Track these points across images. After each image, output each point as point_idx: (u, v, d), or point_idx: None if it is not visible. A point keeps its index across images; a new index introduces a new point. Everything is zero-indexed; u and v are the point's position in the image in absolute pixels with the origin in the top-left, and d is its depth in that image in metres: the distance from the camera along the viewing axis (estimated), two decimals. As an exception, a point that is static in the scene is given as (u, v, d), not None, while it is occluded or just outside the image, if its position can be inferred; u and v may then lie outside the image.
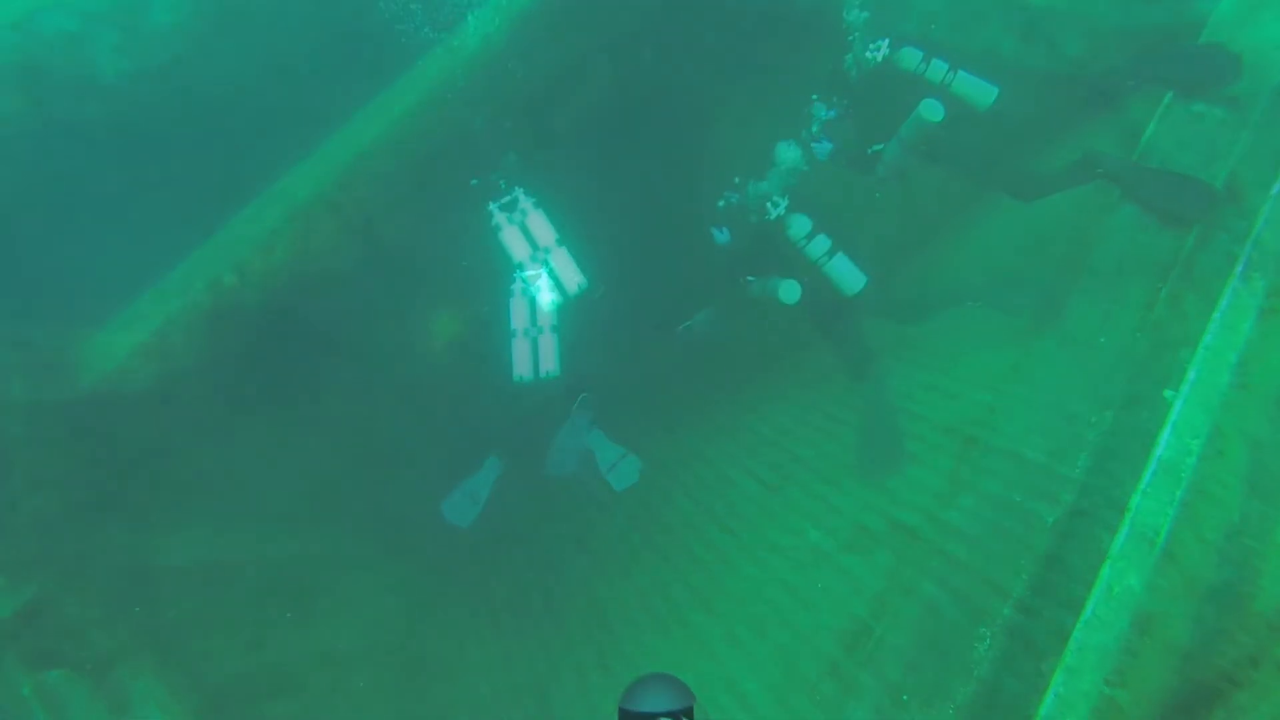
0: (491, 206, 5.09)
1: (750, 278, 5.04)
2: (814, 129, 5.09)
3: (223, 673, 3.98)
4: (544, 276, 5.13)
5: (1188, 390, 3.59)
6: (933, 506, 4.06)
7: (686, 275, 5.78)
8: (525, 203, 5.12)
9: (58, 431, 4.32)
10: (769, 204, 4.89)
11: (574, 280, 5.14)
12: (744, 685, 3.69)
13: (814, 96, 5.05)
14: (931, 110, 4.45)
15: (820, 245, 4.82)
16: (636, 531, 5.25)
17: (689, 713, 1.75)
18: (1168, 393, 4.07)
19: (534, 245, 5.09)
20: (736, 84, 7.21)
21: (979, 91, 4.66)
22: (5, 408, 4.06)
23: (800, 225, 4.85)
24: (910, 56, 4.74)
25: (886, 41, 4.79)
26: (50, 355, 4.35)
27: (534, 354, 5.14)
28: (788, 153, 4.93)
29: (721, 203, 5.28)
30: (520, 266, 5.11)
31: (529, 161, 5.64)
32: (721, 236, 5.25)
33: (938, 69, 4.68)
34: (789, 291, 4.69)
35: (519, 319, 5.11)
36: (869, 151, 4.84)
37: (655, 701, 1.73)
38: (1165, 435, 3.73)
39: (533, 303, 5.11)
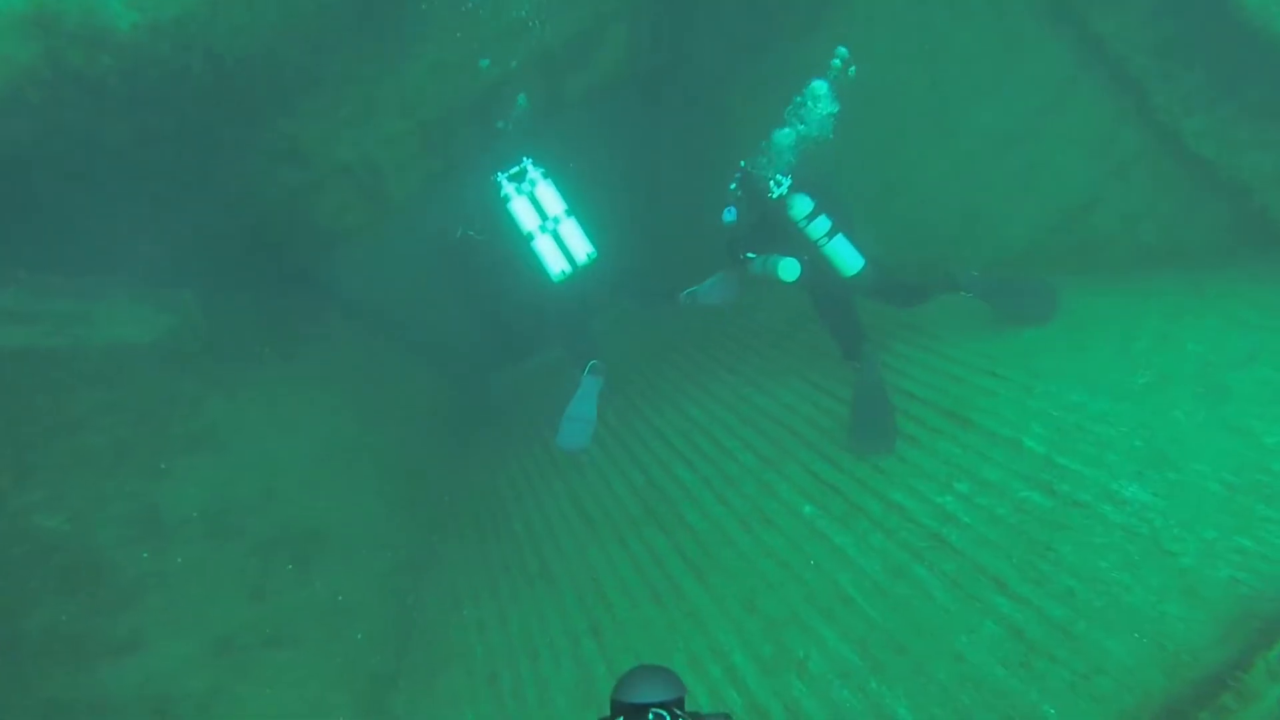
0: (500, 177, 5.06)
1: (750, 254, 5.10)
2: (732, 186, 5.27)
3: (227, 620, 4.10)
4: (528, 167, 5.09)
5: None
6: (929, 490, 4.07)
7: (693, 247, 5.76)
8: (534, 173, 5.09)
9: (73, 379, 4.40)
10: (772, 183, 4.94)
11: (583, 250, 5.12)
12: (733, 658, 3.74)
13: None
14: (788, 271, 4.85)
15: (821, 226, 4.92)
16: (635, 499, 5.29)
17: (680, 703, 1.80)
18: (1139, 378, 4.07)
19: (543, 215, 5.06)
20: (753, 58, 7.08)
21: (847, 261, 4.95)
22: (21, 355, 4.14)
23: (802, 205, 4.90)
24: (801, 205, 4.90)
25: (789, 182, 4.94)
26: (65, 305, 4.42)
27: (561, 246, 5.10)
28: (782, 139, 4.99)
29: (733, 185, 5.26)
30: (498, 178, 5.07)
31: (537, 119, 5.61)
32: (729, 215, 5.23)
33: (820, 227, 4.90)
34: (788, 270, 4.85)
35: (529, 221, 5.06)
36: (740, 256, 5.15)
37: (647, 693, 1.79)
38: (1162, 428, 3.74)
39: (533, 199, 5.07)
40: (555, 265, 5.08)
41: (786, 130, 4.98)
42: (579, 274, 5.15)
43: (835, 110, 5.00)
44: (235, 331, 5.55)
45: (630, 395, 6.65)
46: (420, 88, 5.55)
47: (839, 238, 4.93)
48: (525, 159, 5.08)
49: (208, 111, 4.39)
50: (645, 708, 1.75)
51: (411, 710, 4.56)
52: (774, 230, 5.00)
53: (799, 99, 4.99)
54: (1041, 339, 4.80)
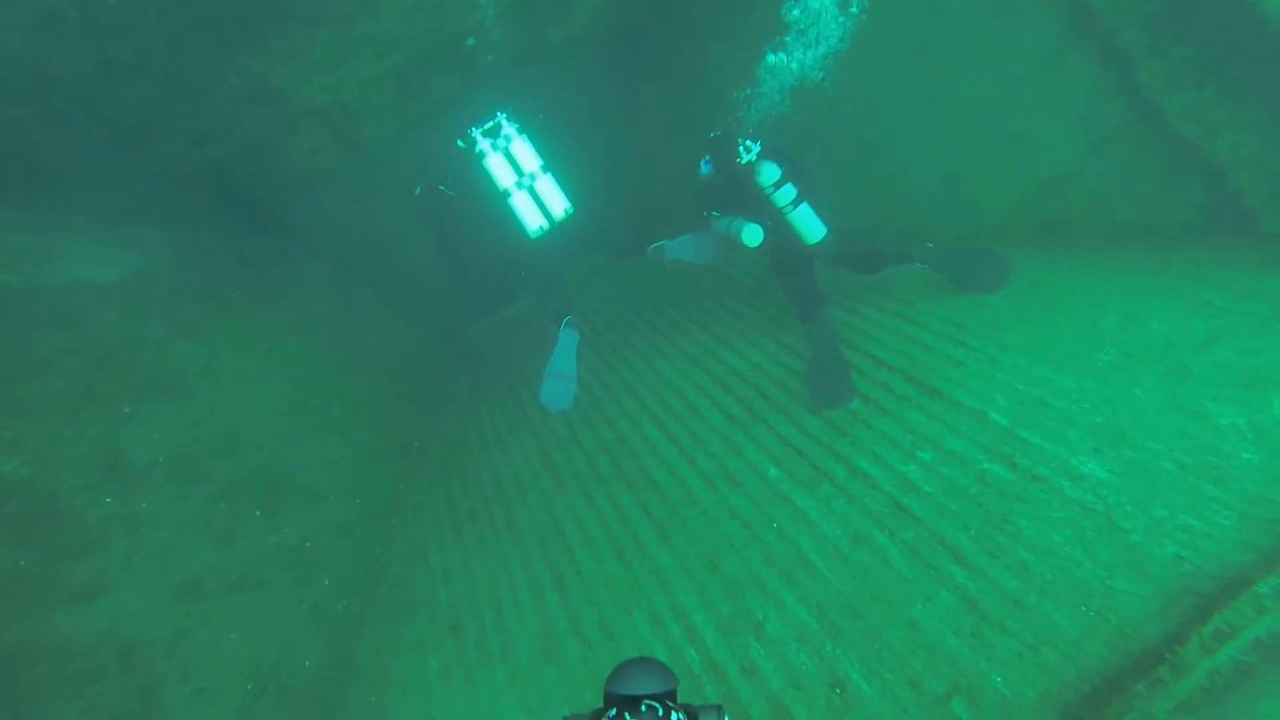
0: (475, 132, 4.96)
1: (715, 213, 5.18)
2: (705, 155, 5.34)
3: (193, 565, 4.09)
4: (502, 123, 5.03)
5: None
6: (893, 458, 4.13)
7: (674, 199, 5.71)
8: (509, 128, 4.99)
9: (32, 320, 4.29)
10: (741, 149, 5.03)
11: (560, 206, 5.07)
12: (694, 617, 3.82)
13: (712, 134, 5.25)
14: (752, 237, 4.94)
15: (787, 194, 5.02)
16: (603, 455, 5.33)
17: (672, 695, 1.83)
18: (1104, 355, 4.14)
19: (519, 171, 4.99)
20: (739, 13, 6.91)
21: (810, 228, 5.08)
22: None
23: (769, 173, 4.98)
24: (769, 172, 4.98)
25: (759, 147, 5.04)
26: (20, 240, 4.27)
27: (538, 202, 5.08)
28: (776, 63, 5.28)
29: (713, 133, 5.21)
30: (473, 134, 5.00)
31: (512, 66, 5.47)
32: (705, 167, 5.22)
33: (785, 195, 5.00)
34: (752, 235, 4.95)
35: (505, 177, 5.02)
36: (705, 214, 5.24)
37: (639, 684, 1.82)
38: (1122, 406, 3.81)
39: (508, 155, 5.03)
40: (532, 222, 5.04)
41: (781, 55, 5.14)
42: (556, 230, 5.12)
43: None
44: (205, 274, 5.43)
45: (603, 351, 6.65)
46: (397, 30, 5.34)
47: (804, 206, 5.05)
48: (500, 114, 4.97)
49: (171, 43, 4.19)
50: (638, 699, 1.79)
51: (377, 657, 4.63)
52: (741, 194, 5.07)
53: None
54: (1011, 311, 4.84)
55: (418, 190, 5.00)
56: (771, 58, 5.34)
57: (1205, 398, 3.71)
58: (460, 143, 4.89)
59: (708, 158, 5.26)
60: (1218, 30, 4.34)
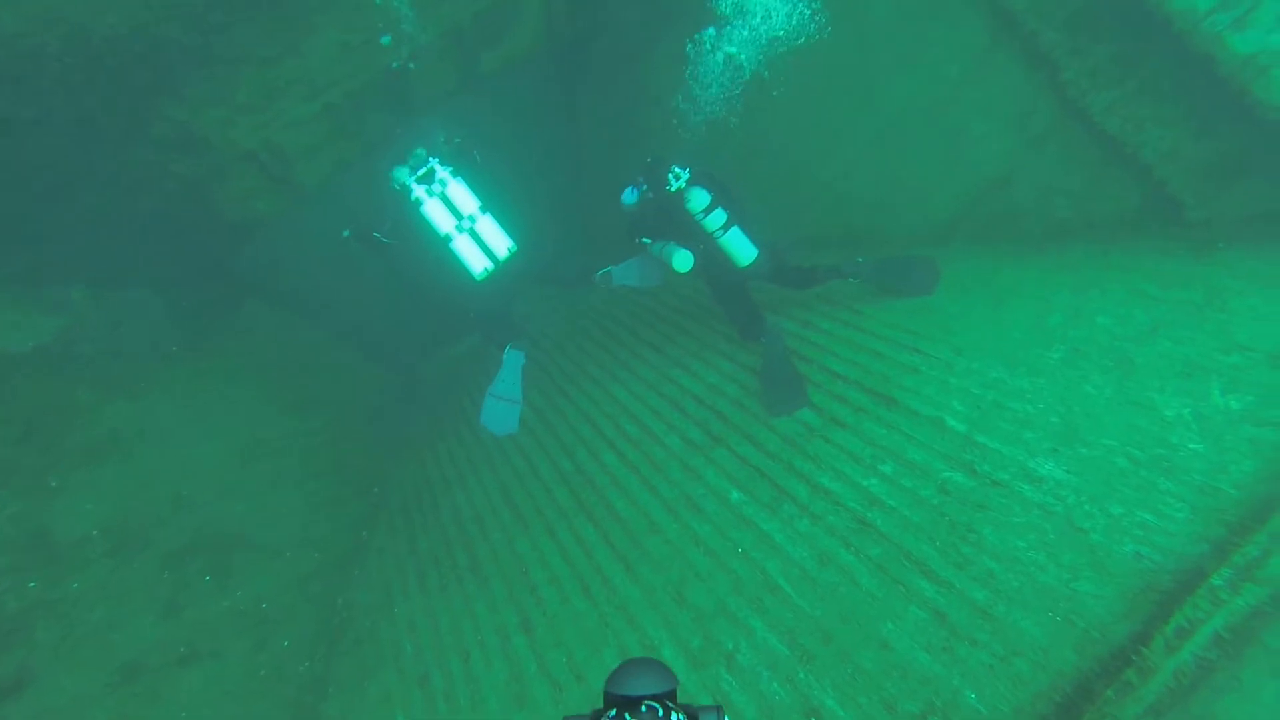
0: (409, 180, 4.88)
1: (646, 239, 5.21)
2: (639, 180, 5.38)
3: (134, 643, 3.88)
4: (435, 168, 4.96)
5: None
6: (854, 473, 4.10)
7: (618, 222, 5.67)
8: (442, 172, 4.93)
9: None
10: (671, 176, 5.07)
11: (503, 246, 5.01)
12: (664, 651, 3.73)
13: (648, 159, 5.29)
14: (682, 263, 4.99)
15: (716, 219, 5.06)
16: (563, 487, 5.22)
17: (672, 696, 1.80)
18: (1054, 353, 4.18)
19: (458, 215, 4.94)
20: (674, 27, 6.92)
21: (742, 251, 5.13)
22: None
23: (699, 199, 5.03)
24: (699, 198, 5.02)
25: (688, 174, 5.08)
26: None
27: (480, 244, 5.03)
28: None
29: (649, 159, 5.22)
30: (408, 182, 4.92)
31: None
32: (629, 197, 5.30)
33: (715, 220, 5.05)
34: (682, 262, 5.01)
35: (444, 222, 4.95)
36: (637, 240, 5.27)
37: (640, 685, 1.79)
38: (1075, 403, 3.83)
39: (445, 200, 4.95)
40: (477, 265, 5.01)
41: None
42: (501, 269, 5.07)
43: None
44: (138, 330, 5.22)
45: (556, 378, 6.56)
46: (326, 69, 5.22)
47: (734, 230, 5.11)
48: (431, 160, 4.90)
49: (75, 96, 4.01)
50: (638, 700, 1.75)
51: (344, 717, 4.45)
52: (671, 221, 5.12)
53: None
54: (962, 313, 4.87)
55: (346, 233, 4.89)
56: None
57: (1151, 389, 3.75)
58: (395, 185, 4.79)
59: (633, 186, 5.30)
60: (1131, 30, 4.43)
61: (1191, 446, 3.40)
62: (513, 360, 5.40)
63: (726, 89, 6.08)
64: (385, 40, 5.20)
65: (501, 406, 5.29)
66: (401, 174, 4.81)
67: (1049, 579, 3.18)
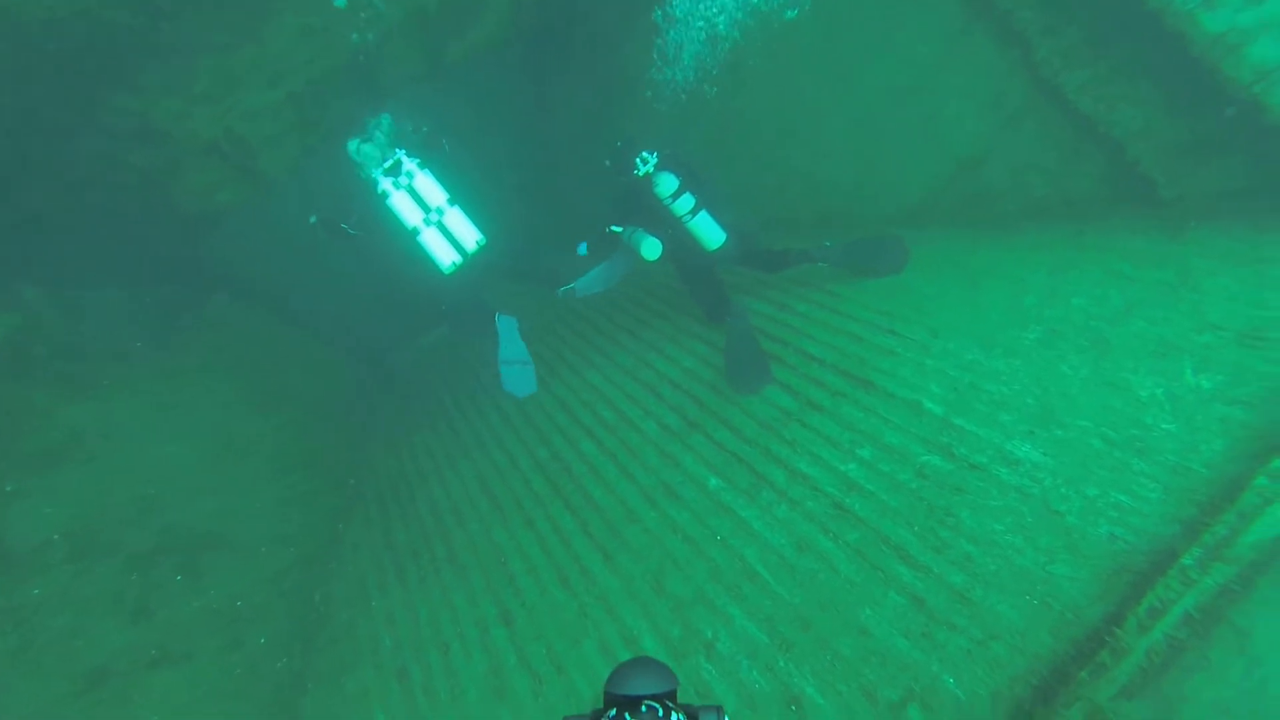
0: (376, 174, 4.77)
1: (616, 228, 5.21)
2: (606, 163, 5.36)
3: (101, 648, 3.79)
4: (402, 160, 4.88)
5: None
6: (832, 458, 4.09)
7: (593, 207, 5.62)
8: (409, 164, 4.82)
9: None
10: (639, 161, 5.09)
11: (471, 238, 4.93)
12: (643, 642, 3.71)
13: (618, 142, 5.30)
14: (650, 251, 4.99)
15: (685, 204, 5.07)
16: (540, 475, 5.17)
17: (672, 696, 1.82)
18: (1030, 334, 4.18)
19: (425, 208, 4.85)
20: (647, 10, 6.81)
21: (710, 235, 5.17)
22: None
23: (667, 184, 5.04)
24: (667, 183, 5.03)
25: (655, 158, 5.10)
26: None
27: (448, 237, 4.98)
28: None
29: (618, 142, 5.26)
30: (376, 175, 4.83)
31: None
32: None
33: (684, 204, 5.07)
34: (650, 249, 5.01)
35: (411, 215, 4.89)
36: (607, 230, 5.24)
37: (640, 685, 1.81)
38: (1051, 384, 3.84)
39: (412, 192, 4.88)
40: (445, 258, 4.96)
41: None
42: (470, 262, 5.01)
43: None
44: (98, 328, 5.06)
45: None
46: (287, 55, 5.05)
47: (702, 214, 5.14)
48: (398, 151, 4.79)
49: (13, 86, 3.83)
50: (639, 700, 1.77)
51: (321, 713, 4.40)
52: (641, 205, 5.12)
53: None
54: (938, 294, 4.86)
55: (312, 219, 4.77)
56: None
57: (1125, 369, 3.76)
58: (353, 159, 4.66)
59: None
60: (1104, 9, 4.40)
61: (1165, 427, 3.42)
62: (506, 325, 5.40)
63: (700, 57, 6.02)
64: (339, 2, 5.02)
65: (515, 369, 5.33)
66: (356, 149, 4.68)
67: (1026, 562, 3.19)
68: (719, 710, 1.82)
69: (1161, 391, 3.57)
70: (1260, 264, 3.97)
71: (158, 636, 4.05)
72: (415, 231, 4.86)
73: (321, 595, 5.23)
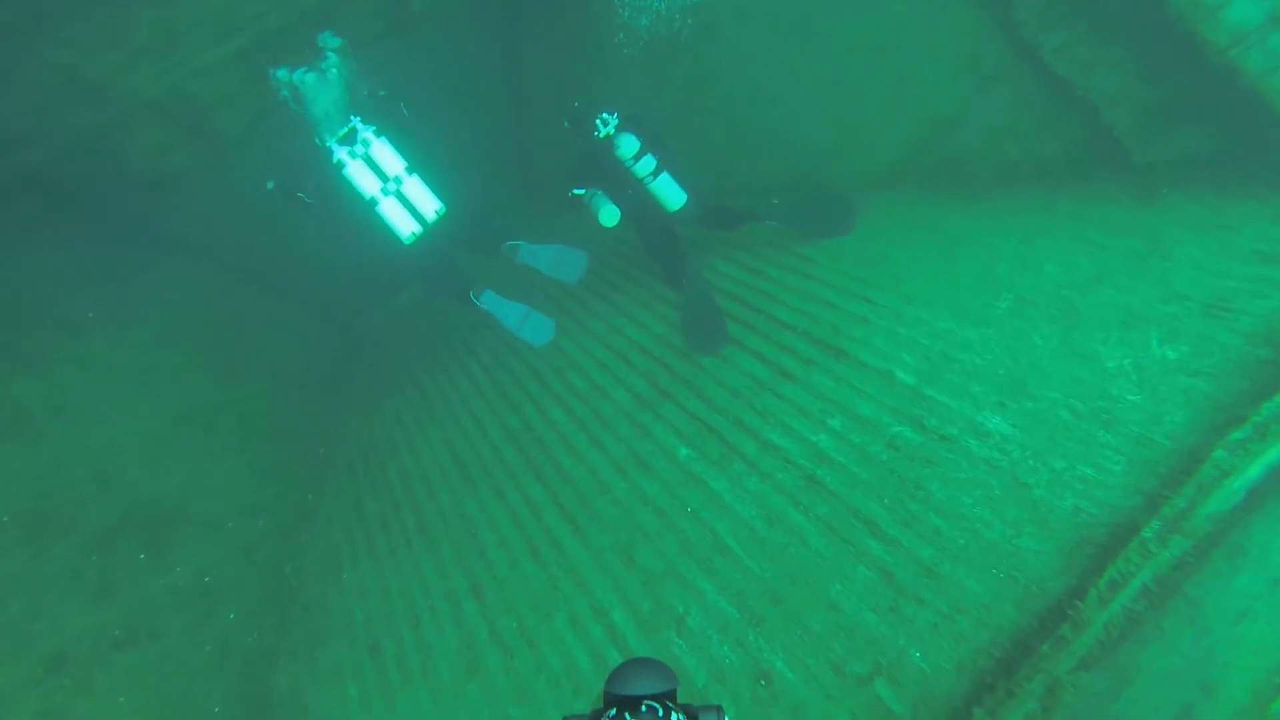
0: (330, 142, 4.61)
1: (578, 191, 5.16)
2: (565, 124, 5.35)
3: (61, 631, 3.72)
4: (358, 127, 4.73)
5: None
6: (803, 428, 4.08)
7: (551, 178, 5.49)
8: (365, 132, 4.65)
9: None
10: (599, 122, 5.05)
11: (431, 207, 4.83)
12: (613, 615, 3.72)
13: (575, 103, 5.29)
14: (608, 218, 4.96)
15: (646, 165, 5.06)
16: (511, 445, 5.12)
17: (672, 696, 1.80)
18: (1002, 303, 4.17)
19: (383, 177, 4.72)
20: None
21: (671, 196, 5.16)
22: None
23: (628, 145, 5.02)
24: (628, 145, 5.00)
25: (616, 119, 5.07)
26: None
27: (407, 206, 4.87)
28: None
29: (576, 103, 5.23)
30: (331, 145, 4.67)
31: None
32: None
33: (645, 165, 5.05)
34: (608, 216, 4.98)
35: (369, 184, 4.75)
36: (569, 194, 5.19)
37: (640, 685, 1.80)
38: (1022, 354, 3.84)
39: (369, 161, 4.74)
40: (405, 228, 4.83)
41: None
42: (430, 231, 4.90)
43: None
44: (44, 296, 4.86)
45: (500, 330, 6.37)
46: (233, 9, 4.77)
47: (664, 175, 5.11)
48: (353, 118, 4.59)
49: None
50: (638, 700, 1.75)
51: (293, 690, 4.39)
52: (601, 168, 5.08)
53: None
54: (912, 260, 4.83)
55: (270, 185, 4.59)
56: None
57: (1094, 340, 3.77)
58: (276, 87, 4.46)
59: (568, 123, 5.24)
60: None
61: (1130, 398, 3.44)
62: (490, 300, 5.34)
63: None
64: None
65: (529, 324, 5.37)
66: (289, 78, 4.43)
67: (993, 535, 3.22)
68: (719, 710, 1.82)
69: (1129, 362, 3.58)
70: (1225, 231, 3.98)
71: (121, 617, 3.99)
72: (374, 202, 4.72)
73: (292, 568, 5.18)
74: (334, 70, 4.59)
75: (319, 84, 4.57)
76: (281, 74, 4.49)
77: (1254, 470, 2.88)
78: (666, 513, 4.06)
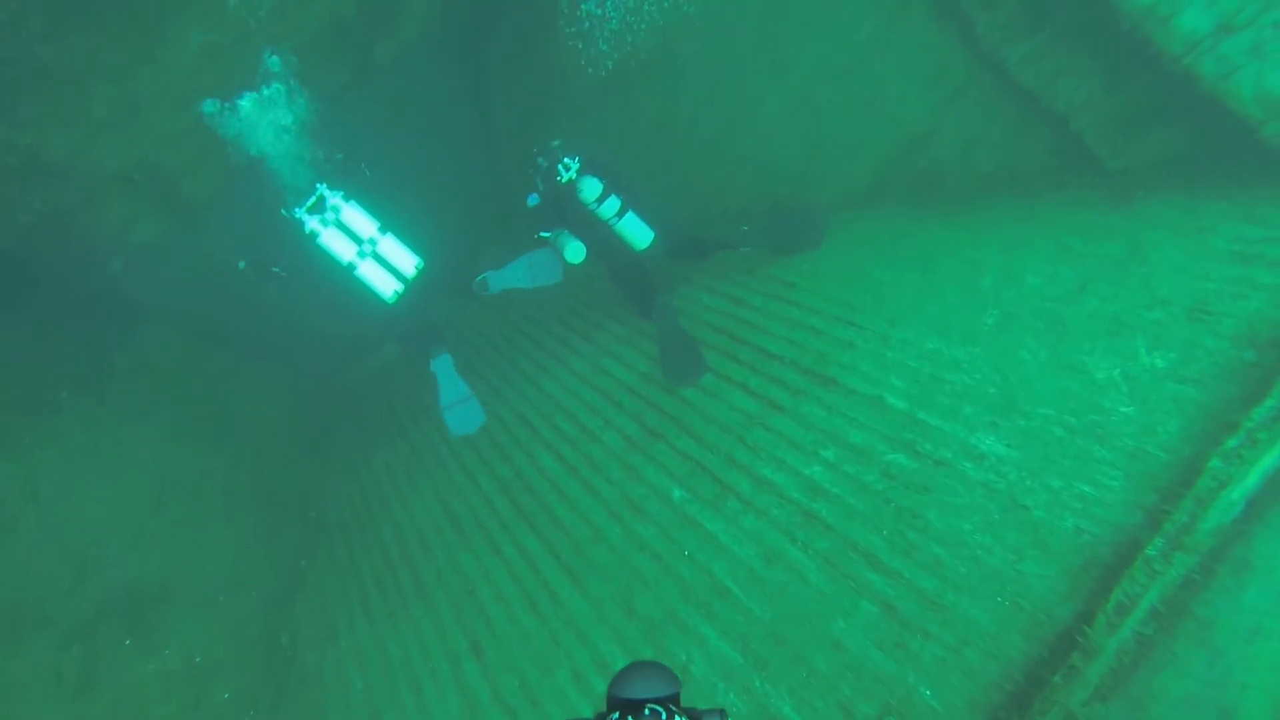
0: (299, 213, 4.63)
1: (545, 234, 5.25)
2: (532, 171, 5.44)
3: (42, 729, 3.60)
4: (324, 195, 4.74)
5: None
6: (796, 461, 4.01)
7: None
8: (333, 199, 4.68)
9: None
10: (560, 168, 5.12)
11: (409, 264, 4.86)
12: (616, 668, 3.60)
13: (540, 161, 5.35)
14: (575, 254, 5.07)
15: (611, 206, 5.12)
16: (503, 496, 5.03)
17: (675, 699, 1.80)
18: (988, 318, 4.13)
19: (358, 240, 4.74)
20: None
21: (638, 235, 5.23)
22: None
23: (591, 188, 5.07)
24: (590, 188, 5.06)
25: (577, 163, 5.14)
26: None
27: (386, 266, 4.89)
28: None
29: (540, 160, 5.31)
30: (296, 208, 4.69)
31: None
32: (532, 200, 5.33)
33: (610, 207, 5.11)
34: (574, 253, 5.09)
35: (343, 251, 4.76)
36: (536, 235, 5.32)
37: (643, 688, 1.79)
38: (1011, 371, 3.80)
39: (342, 227, 4.76)
40: (386, 288, 4.86)
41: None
42: (411, 287, 4.93)
43: None
44: (14, 379, 4.77)
45: (488, 376, 6.32)
46: (192, 75, 4.75)
47: (629, 215, 5.17)
48: (319, 185, 4.59)
49: None
50: (641, 703, 1.74)
51: (294, 766, 4.26)
52: (567, 211, 5.14)
53: None
54: (894, 280, 4.79)
55: (241, 265, 4.58)
56: None
57: (1082, 351, 3.73)
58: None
59: (534, 194, 5.28)
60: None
61: (1123, 410, 3.40)
62: (441, 367, 5.34)
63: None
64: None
65: (459, 410, 5.32)
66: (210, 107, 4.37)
67: (995, 561, 3.16)
68: (722, 713, 1.81)
69: (1118, 373, 3.55)
70: (1201, 233, 3.96)
71: (104, 710, 3.85)
72: (351, 267, 4.74)
73: (288, 638, 5.05)
74: (271, 89, 4.59)
75: (257, 107, 4.57)
76: (209, 106, 4.48)
77: (1251, 478, 2.83)
78: (663, 557, 3.98)
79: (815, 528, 3.66)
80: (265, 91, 4.68)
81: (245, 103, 4.59)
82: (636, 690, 1.78)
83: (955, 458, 3.59)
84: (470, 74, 7.50)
